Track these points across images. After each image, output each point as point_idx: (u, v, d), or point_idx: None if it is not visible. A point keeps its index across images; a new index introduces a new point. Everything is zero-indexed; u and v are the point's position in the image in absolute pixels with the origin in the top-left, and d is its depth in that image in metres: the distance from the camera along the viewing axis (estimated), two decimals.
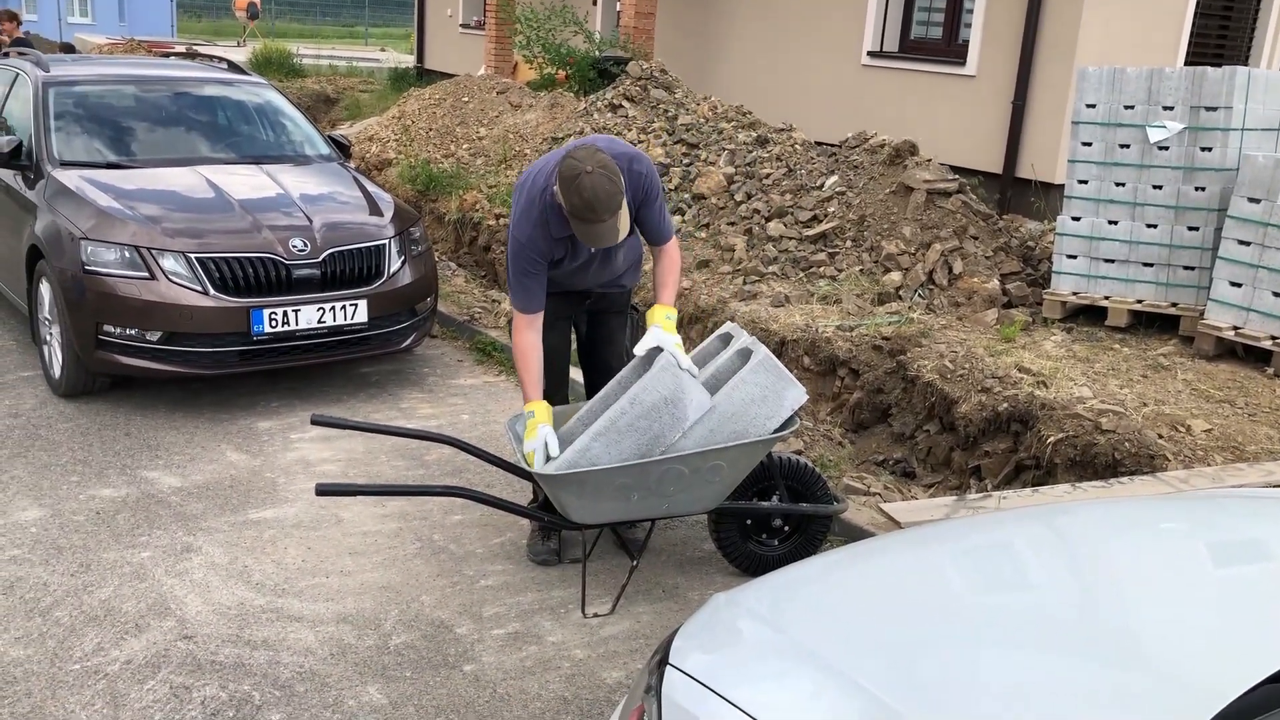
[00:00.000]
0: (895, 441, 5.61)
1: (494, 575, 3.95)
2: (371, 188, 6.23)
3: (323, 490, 3.45)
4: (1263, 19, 9.75)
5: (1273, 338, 5.64)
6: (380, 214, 5.89)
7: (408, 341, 5.81)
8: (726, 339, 3.92)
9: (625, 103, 9.50)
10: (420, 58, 18.25)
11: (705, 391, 3.56)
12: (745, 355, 3.71)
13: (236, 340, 5.21)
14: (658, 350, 3.54)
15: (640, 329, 3.85)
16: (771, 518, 3.92)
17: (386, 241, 5.68)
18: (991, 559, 2.33)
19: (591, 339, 4.21)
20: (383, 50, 33.23)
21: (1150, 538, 2.37)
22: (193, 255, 5.17)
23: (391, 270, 5.67)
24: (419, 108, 11.27)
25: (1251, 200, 5.76)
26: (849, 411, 5.87)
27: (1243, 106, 5.97)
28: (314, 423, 3.69)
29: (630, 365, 3.74)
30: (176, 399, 5.50)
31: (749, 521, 3.93)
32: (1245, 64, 9.66)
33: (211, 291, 5.15)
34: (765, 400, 3.61)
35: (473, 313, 6.85)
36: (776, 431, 3.63)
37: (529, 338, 3.68)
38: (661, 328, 3.60)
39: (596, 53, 11.71)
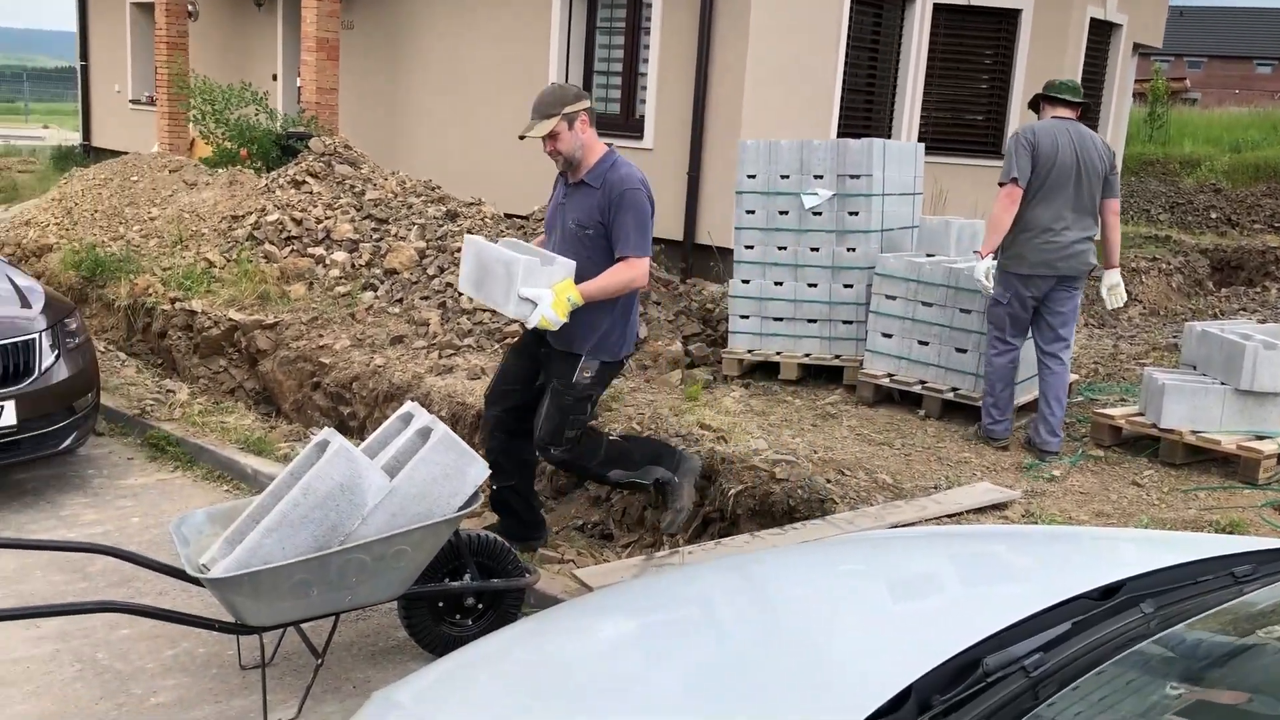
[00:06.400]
0: (593, 505, 5.70)
1: (166, 691, 3.65)
2: (19, 278, 5.72)
3: None
4: (899, 95, 10.88)
5: (921, 382, 6.22)
6: (29, 306, 5.41)
7: (66, 442, 5.33)
8: (407, 419, 3.85)
9: (309, 179, 9.26)
10: (87, 135, 17.04)
11: (384, 474, 3.48)
12: (426, 434, 3.66)
13: None
14: (327, 441, 3.44)
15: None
16: (464, 597, 3.86)
17: (36, 335, 5.21)
18: (676, 617, 2.39)
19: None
20: (46, 127, 30.72)
21: (831, 578, 2.53)
22: None
23: (44, 367, 5.20)
24: (83, 189, 10.48)
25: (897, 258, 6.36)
26: (548, 479, 5.92)
27: (881, 174, 6.61)
28: None
29: (302, 454, 3.60)
30: None
31: (441, 604, 3.85)
32: (889, 135, 10.72)
33: None
34: (448, 478, 3.57)
35: (144, 405, 6.37)
36: (462, 509, 3.59)
37: None
38: (553, 291, 4.09)
39: (279, 129, 11.37)
